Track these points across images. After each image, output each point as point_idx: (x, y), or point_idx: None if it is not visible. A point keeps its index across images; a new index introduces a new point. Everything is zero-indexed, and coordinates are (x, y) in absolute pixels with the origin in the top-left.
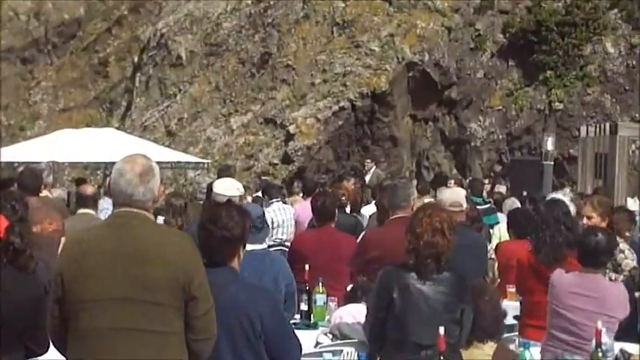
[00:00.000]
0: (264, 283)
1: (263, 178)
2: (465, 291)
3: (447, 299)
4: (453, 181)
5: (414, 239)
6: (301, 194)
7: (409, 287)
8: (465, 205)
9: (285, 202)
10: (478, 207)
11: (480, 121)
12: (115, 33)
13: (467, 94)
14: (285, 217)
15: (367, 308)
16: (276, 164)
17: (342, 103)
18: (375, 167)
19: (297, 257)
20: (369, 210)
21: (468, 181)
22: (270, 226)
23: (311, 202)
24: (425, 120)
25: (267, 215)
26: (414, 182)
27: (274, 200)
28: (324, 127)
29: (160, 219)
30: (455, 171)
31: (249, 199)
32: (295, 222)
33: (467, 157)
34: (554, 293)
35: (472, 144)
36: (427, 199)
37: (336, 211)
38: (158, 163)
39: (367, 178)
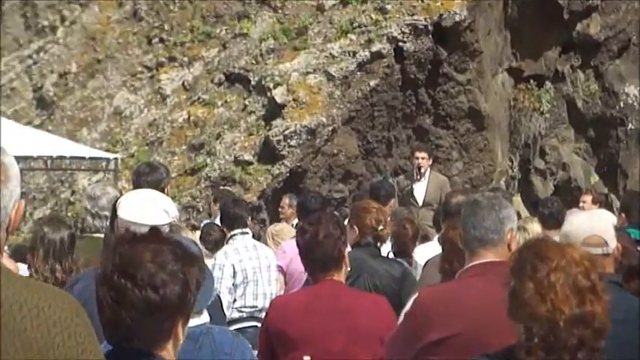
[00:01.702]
0: None
1: (223, 188)
2: None
3: None
4: (589, 198)
5: (540, 320)
6: (295, 221)
7: None
8: (612, 244)
9: (253, 234)
10: None
11: None
12: None
13: (618, 29)
14: (260, 264)
15: None
16: (249, 163)
17: (376, 46)
18: (430, 169)
19: (277, 341)
20: (425, 251)
21: (620, 197)
22: (232, 281)
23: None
24: (537, 79)
25: (223, 260)
26: (516, 199)
27: (237, 232)
28: (341, 91)
29: (22, 267)
30: (595, 178)
31: (196, 234)
32: (285, 275)
33: (618, 152)
34: None
35: (629, 127)
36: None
37: (342, 249)
38: (20, 158)
39: (421, 188)
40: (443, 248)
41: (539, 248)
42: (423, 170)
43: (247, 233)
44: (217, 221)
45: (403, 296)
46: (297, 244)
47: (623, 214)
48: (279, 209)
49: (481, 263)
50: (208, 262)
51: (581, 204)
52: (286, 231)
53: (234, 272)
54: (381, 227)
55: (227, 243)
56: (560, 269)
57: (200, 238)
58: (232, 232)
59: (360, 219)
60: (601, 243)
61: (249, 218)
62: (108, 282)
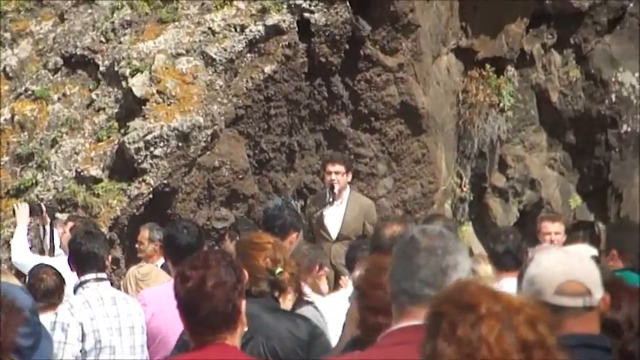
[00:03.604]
0: None
1: (76, 215)
2: None
3: None
4: (560, 227)
5: None
6: (160, 262)
7: None
8: (598, 293)
9: (111, 282)
10: None
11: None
12: None
13: None
14: (120, 324)
15: None
16: (97, 180)
17: (273, 18)
18: (350, 188)
19: None
20: (337, 304)
21: (608, 226)
22: (79, 347)
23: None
24: (496, 63)
25: (67, 318)
26: (467, 229)
27: (89, 277)
28: (225, 80)
29: None
30: (577, 201)
31: (16, 282)
32: (149, 336)
33: (609, 164)
34: None
35: (623, 128)
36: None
37: (238, 303)
38: None
39: (336, 215)
40: (360, 293)
41: (459, 295)
42: (337, 189)
43: (104, 280)
44: (59, 261)
45: None
46: (176, 296)
47: (613, 251)
48: (137, 245)
49: (410, 327)
50: (45, 318)
51: (546, 237)
52: (154, 275)
53: (83, 334)
54: (279, 270)
55: (77, 289)
56: (494, 316)
57: (27, 285)
58: (83, 278)
59: (249, 259)
60: (582, 292)
61: (108, 258)
62: None
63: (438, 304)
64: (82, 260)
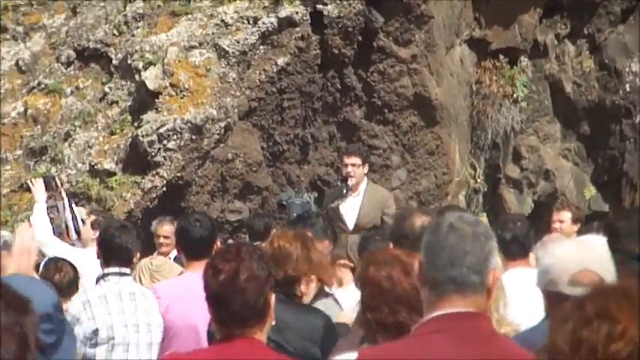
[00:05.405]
0: None
1: (103, 213)
2: None
3: None
4: (568, 215)
5: None
6: (173, 254)
7: None
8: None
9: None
10: None
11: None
12: None
13: None
14: (138, 320)
15: None
16: (111, 174)
17: (286, 10)
18: (367, 179)
19: None
20: (345, 298)
21: (619, 216)
22: (93, 340)
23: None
24: (509, 54)
25: (79, 311)
26: (482, 219)
27: (112, 271)
28: (238, 73)
29: None
30: (592, 191)
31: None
32: (165, 329)
33: (623, 155)
34: None
35: (637, 118)
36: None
37: (269, 297)
38: None
39: (353, 206)
40: (362, 291)
41: (603, 301)
42: (351, 182)
43: (126, 275)
44: (87, 255)
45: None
46: (207, 288)
47: (622, 238)
48: (158, 240)
49: (450, 314)
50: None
51: (556, 225)
52: (168, 267)
53: (96, 329)
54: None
55: (99, 282)
56: (626, 339)
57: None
58: (106, 270)
59: None
60: (595, 281)
61: (136, 254)
62: None
63: (585, 304)
64: (111, 252)
